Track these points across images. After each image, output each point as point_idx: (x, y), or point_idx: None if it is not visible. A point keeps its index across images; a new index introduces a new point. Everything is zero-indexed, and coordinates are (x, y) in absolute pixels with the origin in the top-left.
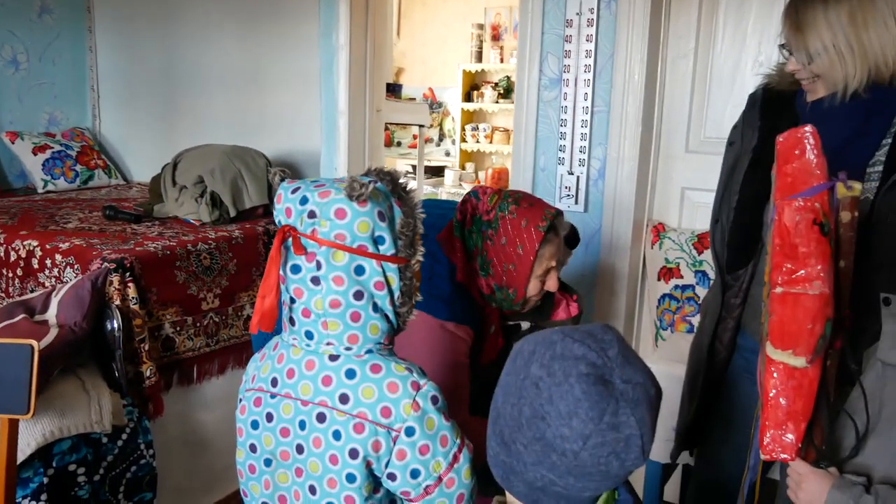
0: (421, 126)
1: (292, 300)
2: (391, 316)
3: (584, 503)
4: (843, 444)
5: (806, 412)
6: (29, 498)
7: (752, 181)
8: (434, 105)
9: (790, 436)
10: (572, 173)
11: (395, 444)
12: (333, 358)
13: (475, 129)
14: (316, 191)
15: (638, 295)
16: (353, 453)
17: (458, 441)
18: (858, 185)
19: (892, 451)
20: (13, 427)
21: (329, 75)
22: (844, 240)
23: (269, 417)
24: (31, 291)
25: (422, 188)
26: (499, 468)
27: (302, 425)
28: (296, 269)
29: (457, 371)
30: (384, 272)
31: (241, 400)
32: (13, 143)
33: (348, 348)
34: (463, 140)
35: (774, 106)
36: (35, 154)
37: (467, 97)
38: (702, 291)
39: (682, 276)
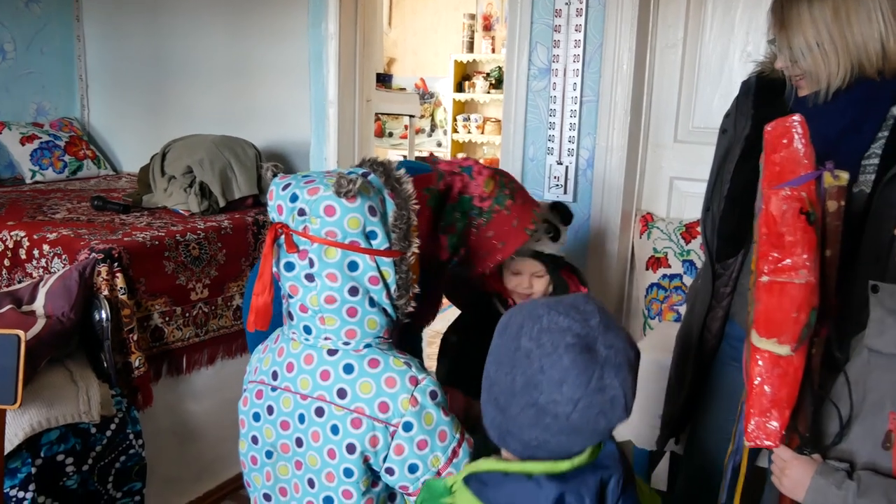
0: (411, 116)
1: (289, 296)
2: (389, 309)
3: (574, 454)
4: (827, 430)
5: (790, 400)
6: (17, 488)
7: (743, 170)
8: (426, 95)
9: (774, 423)
10: (561, 163)
11: (392, 439)
12: (332, 353)
13: (467, 119)
14: (306, 187)
15: (626, 284)
16: (351, 448)
17: (458, 436)
18: (845, 174)
19: (874, 438)
20: (0, 417)
21: (318, 65)
22: (831, 229)
23: (270, 410)
24: (19, 282)
25: None
26: (495, 430)
27: (301, 419)
28: (289, 266)
29: None
30: (378, 267)
31: (244, 391)
32: (0, 133)
33: (346, 343)
34: (454, 130)
35: (768, 95)
36: (23, 144)
37: (459, 87)
38: (689, 281)
39: (669, 266)
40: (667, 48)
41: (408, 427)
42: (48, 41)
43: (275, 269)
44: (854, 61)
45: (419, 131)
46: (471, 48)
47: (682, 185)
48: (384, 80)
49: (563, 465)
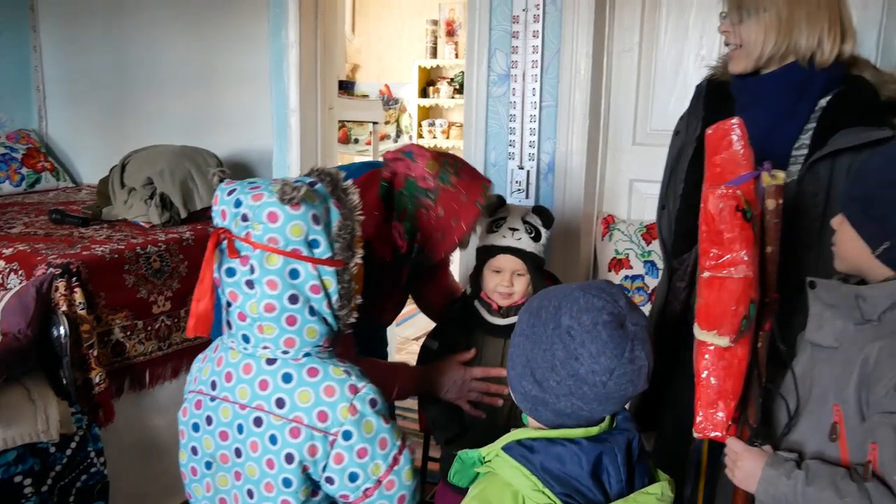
0: (375, 123)
1: (228, 303)
2: (330, 319)
3: (598, 421)
4: (777, 422)
5: (735, 391)
6: None
7: (696, 169)
8: (390, 101)
9: (720, 414)
10: (522, 168)
11: (332, 447)
12: (270, 362)
13: (432, 124)
14: (250, 193)
15: None
16: (289, 458)
17: (399, 443)
18: (782, 173)
19: (822, 429)
20: None
21: (279, 73)
22: (770, 226)
23: (209, 420)
24: None
25: None
26: (528, 402)
27: (240, 429)
28: (230, 272)
29: None
30: (320, 276)
31: (184, 401)
32: None
33: (285, 352)
34: (420, 136)
35: (718, 97)
36: None
37: (423, 93)
38: (651, 281)
39: (631, 267)
40: (623, 52)
41: (347, 436)
42: (3, 52)
43: (216, 275)
44: (793, 40)
45: (385, 137)
46: (434, 54)
47: (641, 186)
48: (347, 87)
49: (595, 430)
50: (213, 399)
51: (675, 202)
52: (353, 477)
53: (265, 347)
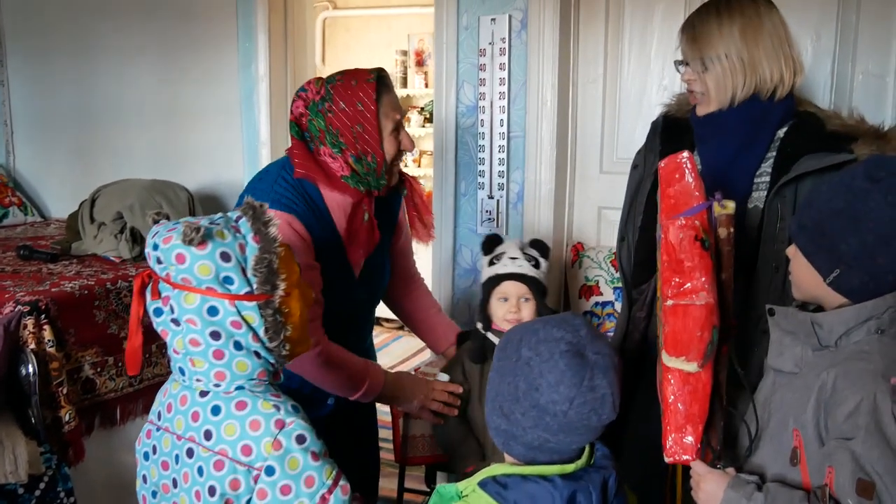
0: None
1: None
2: (262, 352)
3: (572, 454)
4: (740, 445)
5: (702, 415)
6: None
7: (654, 201)
8: None
9: (689, 438)
10: (492, 197)
11: (255, 483)
12: (203, 394)
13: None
14: (164, 236)
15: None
16: (212, 491)
17: (329, 483)
18: (731, 203)
19: (784, 453)
20: None
21: (250, 107)
22: (724, 254)
23: (154, 450)
24: None
25: None
26: (500, 436)
27: (176, 459)
28: (158, 311)
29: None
30: (239, 311)
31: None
32: None
33: (217, 385)
34: None
35: (673, 132)
36: None
37: None
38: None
39: (601, 294)
40: (588, 83)
41: (270, 471)
42: None
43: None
44: (758, 78)
45: None
46: (405, 83)
47: (609, 213)
48: None
49: (570, 467)
50: (158, 429)
51: (635, 234)
52: None
53: (198, 380)
